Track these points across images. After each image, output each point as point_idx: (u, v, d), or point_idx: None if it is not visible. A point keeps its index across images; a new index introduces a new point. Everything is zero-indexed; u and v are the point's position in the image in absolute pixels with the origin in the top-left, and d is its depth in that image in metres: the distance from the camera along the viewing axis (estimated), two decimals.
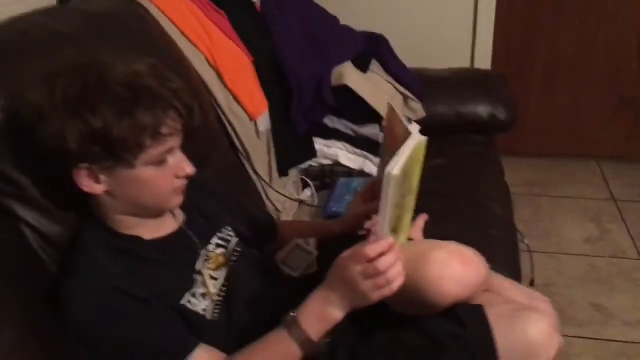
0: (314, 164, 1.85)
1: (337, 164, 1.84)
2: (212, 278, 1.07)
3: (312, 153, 1.80)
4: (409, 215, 1.04)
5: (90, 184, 0.95)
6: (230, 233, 1.14)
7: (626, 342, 1.92)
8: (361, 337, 1.10)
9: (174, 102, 0.95)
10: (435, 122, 2.00)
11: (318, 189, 1.79)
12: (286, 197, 1.65)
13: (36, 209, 1.01)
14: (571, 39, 2.87)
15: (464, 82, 2.13)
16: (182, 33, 1.48)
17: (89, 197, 0.98)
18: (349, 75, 1.78)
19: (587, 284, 2.20)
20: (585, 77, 2.94)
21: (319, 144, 1.82)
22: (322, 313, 0.95)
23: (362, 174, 1.80)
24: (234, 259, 1.11)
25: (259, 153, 1.61)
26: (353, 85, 1.76)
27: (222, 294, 1.07)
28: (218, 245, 1.12)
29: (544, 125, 3.05)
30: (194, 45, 1.49)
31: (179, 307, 1.00)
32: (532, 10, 2.85)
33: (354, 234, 1.23)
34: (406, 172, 0.92)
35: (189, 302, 1.01)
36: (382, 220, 0.89)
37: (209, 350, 0.97)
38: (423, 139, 0.97)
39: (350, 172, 1.81)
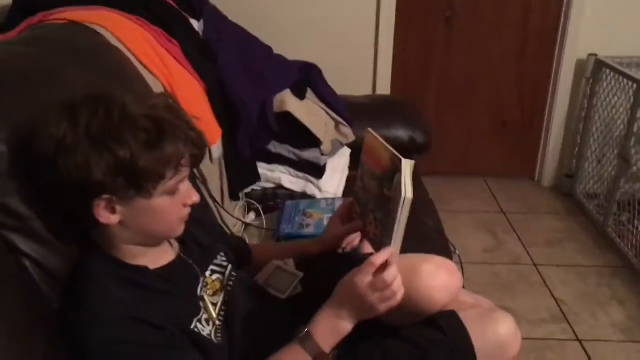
0: (256, 188, 1.91)
1: (279, 187, 1.91)
2: (212, 304, 1.11)
3: (257, 177, 1.86)
4: None
5: (107, 215, 0.95)
6: (224, 259, 1.18)
7: (534, 339, 2.17)
8: (347, 349, 1.19)
9: (190, 134, 0.99)
10: (362, 146, 2.14)
11: (263, 212, 1.84)
12: (240, 221, 1.70)
13: (38, 241, 0.99)
14: (459, 71, 3.20)
15: (384, 107, 2.30)
16: (139, 60, 1.49)
17: (96, 227, 0.99)
18: (289, 102, 1.87)
19: (492, 289, 2.45)
20: (472, 104, 3.28)
21: (263, 168, 1.88)
22: (333, 327, 1.03)
23: (304, 196, 1.88)
24: (230, 284, 1.15)
25: (213, 178, 1.64)
26: (294, 111, 1.85)
27: (221, 318, 1.11)
28: (213, 272, 1.15)
29: (435, 147, 3.32)
30: (151, 73, 1.51)
31: (190, 332, 1.02)
32: (425, 44, 3.14)
33: (332, 253, 1.32)
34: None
35: (196, 327, 1.04)
36: (396, 240, 1.00)
37: None
38: (412, 162, 1.09)
39: (292, 195, 1.89)
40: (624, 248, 2.67)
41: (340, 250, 1.34)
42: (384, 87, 3.08)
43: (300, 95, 1.94)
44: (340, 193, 1.93)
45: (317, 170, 1.88)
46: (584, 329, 2.23)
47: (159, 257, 1.08)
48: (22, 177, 0.96)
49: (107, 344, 0.92)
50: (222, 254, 1.19)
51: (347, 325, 1.03)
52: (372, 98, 2.35)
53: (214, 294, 1.13)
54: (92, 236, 1.02)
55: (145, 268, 1.03)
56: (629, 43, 2.96)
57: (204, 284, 1.12)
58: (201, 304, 1.08)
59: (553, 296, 2.42)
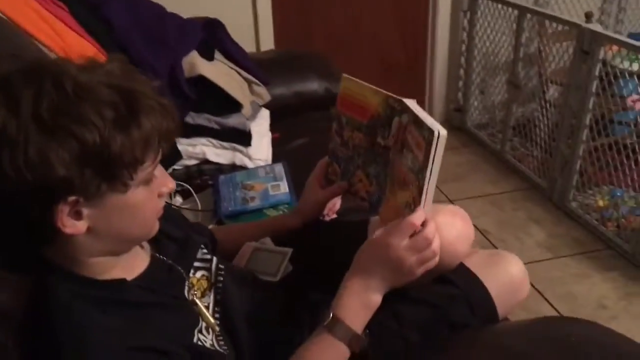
0: (177, 167, 1.67)
1: (203, 162, 1.68)
2: (204, 307, 0.92)
3: (178, 155, 1.62)
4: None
5: (72, 223, 0.72)
6: (205, 252, 0.98)
7: None
8: None
9: (163, 102, 0.77)
10: (277, 104, 1.97)
11: (190, 192, 1.62)
12: (175, 207, 1.47)
13: None
14: (340, 19, 3.10)
15: (293, 62, 2.13)
16: (27, 31, 1.19)
17: (53, 241, 0.75)
18: (200, 64, 1.64)
19: None
20: (356, 50, 3.20)
21: (182, 144, 1.64)
22: (363, 302, 0.89)
23: (234, 167, 1.68)
24: (220, 279, 0.96)
25: None
26: (208, 74, 1.63)
27: (217, 321, 0.92)
28: (197, 269, 0.95)
29: None
30: (44, 44, 1.22)
31: (194, 346, 0.83)
32: None
33: (315, 223, 1.16)
34: None
35: (199, 340, 0.85)
36: (428, 190, 0.86)
37: None
38: (413, 100, 0.96)
39: (220, 169, 1.68)
40: (526, 170, 2.77)
41: (321, 217, 1.19)
42: (268, 44, 2.91)
43: (209, 56, 1.72)
44: (270, 158, 1.76)
45: (244, 137, 1.68)
46: (514, 254, 2.27)
47: (133, 264, 0.86)
48: None
49: None
50: (202, 246, 0.99)
51: (377, 298, 0.89)
52: (275, 53, 2.17)
53: (202, 294, 0.94)
54: (44, 254, 0.78)
55: (123, 281, 0.82)
56: None
57: (190, 285, 0.92)
58: (195, 310, 0.89)
59: (477, 228, 2.45)
